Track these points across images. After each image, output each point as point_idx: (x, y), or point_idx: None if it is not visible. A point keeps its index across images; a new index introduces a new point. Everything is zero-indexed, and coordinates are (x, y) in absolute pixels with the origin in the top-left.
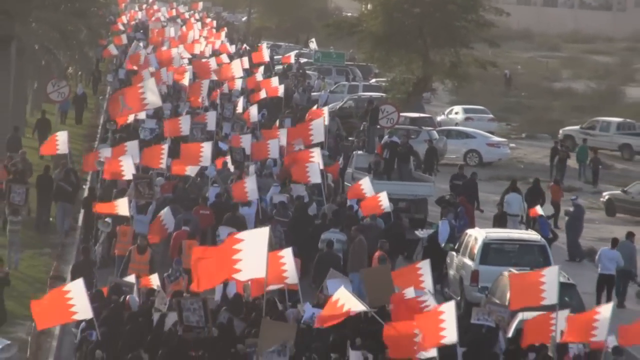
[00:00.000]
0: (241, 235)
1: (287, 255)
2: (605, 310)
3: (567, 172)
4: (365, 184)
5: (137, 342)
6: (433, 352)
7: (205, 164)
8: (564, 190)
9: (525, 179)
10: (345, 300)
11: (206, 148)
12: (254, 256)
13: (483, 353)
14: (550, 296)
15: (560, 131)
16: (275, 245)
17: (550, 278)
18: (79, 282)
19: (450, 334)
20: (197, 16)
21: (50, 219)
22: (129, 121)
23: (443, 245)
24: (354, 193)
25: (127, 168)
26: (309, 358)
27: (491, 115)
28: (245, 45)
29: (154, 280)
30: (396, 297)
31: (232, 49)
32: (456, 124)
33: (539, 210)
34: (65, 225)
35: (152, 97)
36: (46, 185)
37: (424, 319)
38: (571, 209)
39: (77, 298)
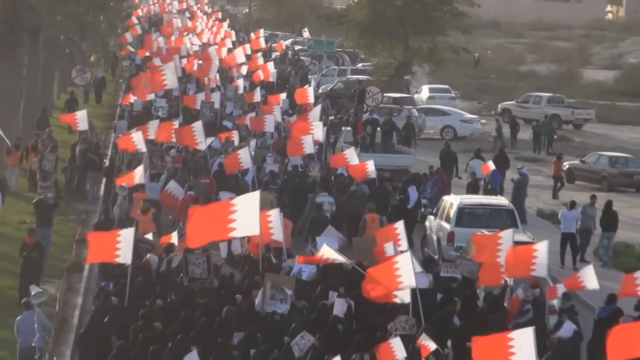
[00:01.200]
0: (235, 199)
1: (274, 214)
2: (542, 247)
3: (523, 144)
4: (349, 154)
5: (148, 291)
6: (407, 297)
7: (200, 139)
8: (527, 160)
9: (494, 150)
10: (328, 253)
11: (197, 127)
12: (247, 216)
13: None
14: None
15: (499, 105)
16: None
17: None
18: (130, 231)
19: (407, 280)
20: (205, 8)
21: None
22: (131, 101)
23: (410, 207)
24: (339, 162)
25: (139, 141)
26: (303, 306)
27: (452, 94)
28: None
29: (174, 238)
30: (377, 250)
31: (234, 36)
32: (421, 102)
33: (490, 165)
34: (95, 192)
35: (172, 79)
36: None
37: (382, 268)
38: (517, 176)
39: (124, 243)
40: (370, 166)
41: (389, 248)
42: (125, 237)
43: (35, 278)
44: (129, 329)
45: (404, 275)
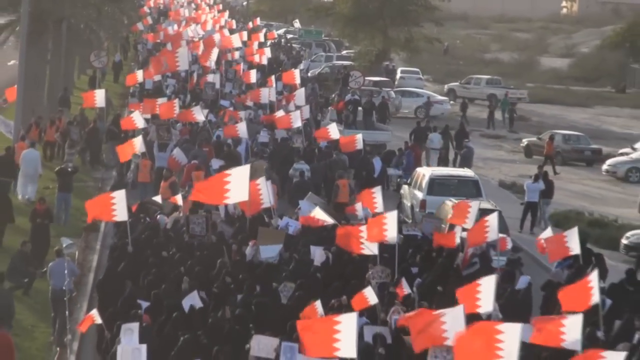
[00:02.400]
0: (229, 170)
1: (262, 183)
2: (493, 219)
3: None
4: (332, 129)
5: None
6: (375, 249)
7: (200, 118)
8: (490, 137)
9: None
10: (319, 215)
11: (197, 110)
12: (238, 186)
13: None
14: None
15: (445, 86)
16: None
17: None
18: (122, 192)
19: (390, 235)
20: (208, 1)
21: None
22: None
23: (375, 176)
24: (322, 136)
25: (138, 120)
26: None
27: (420, 76)
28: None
29: (178, 200)
30: (349, 209)
31: (235, 24)
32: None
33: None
34: (114, 160)
35: (183, 61)
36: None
37: (372, 222)
38: (464, 150)
39: (118, 203)
40: (359, 139)
41: (358, 208)
42: (119, 198)
43: (45, 242)
44: (139, 274)
45: (389, 230)
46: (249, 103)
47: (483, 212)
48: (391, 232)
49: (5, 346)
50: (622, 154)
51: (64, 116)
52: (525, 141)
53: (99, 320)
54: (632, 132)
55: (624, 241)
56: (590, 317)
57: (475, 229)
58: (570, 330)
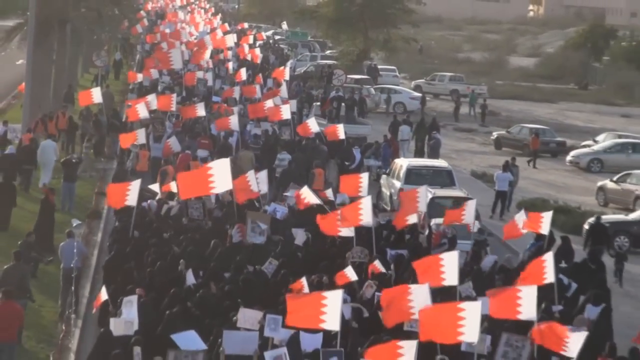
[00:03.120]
0: (211, 164)
1: (250, 175)
2: (471, 205)
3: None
4: (312, 123)
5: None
6: (351, 232)
7: (201, 113)
8: (463, 130)
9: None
10: (307, 195)
11: (200, 107)
12: (221, 177)
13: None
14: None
15: (412, 83)
16: (254, 165)
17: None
18: (138, 181)
19: (366, 219)
20: (202, 4)
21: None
22: (138, 80)
23: (353, 166)
24: (304, 130)
25: (142, 111)
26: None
27: (396, 73)
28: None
29: (172, 187)
30: (322, 194)
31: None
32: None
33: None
34: (118, 150)
35: (177, 60)
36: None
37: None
38: (432, 141)
39: (132, 190)
40: (340, 128)
41: (329, 193)
42: (134, 186)
43: (52, 228)
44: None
45: (364, 214)
46: (235, 96)
47: (457, 200)
48: (366, 217)
49: (14, 315)
50: (584, 146)
51: (67, 111)
52: (495, 134)
53: (105, 296)
54: (593, 126)
55: (586, 226)
56: (550, 294)
57: (455, 211)
58: (525, 302)
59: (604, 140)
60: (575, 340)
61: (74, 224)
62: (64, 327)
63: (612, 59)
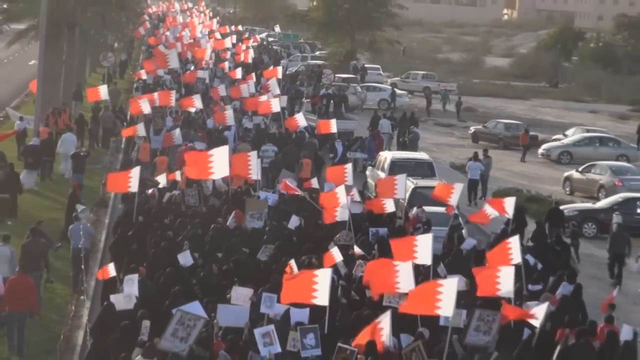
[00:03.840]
0: (211, 151)
1: (253, 157)
2: (458, 188)
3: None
4: (299, 118)
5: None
6: (345, 216)
7: (198, 105)
8: (442, 125)
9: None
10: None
11: (196, 98)
12: (220, 163)
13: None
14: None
15: (388, 80)
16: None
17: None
18: (137, 169)
19: (342, 213)
20: (201, 8)
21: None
22: (143, 77)
23: (337, 159)
24: (291, 124)
25: (145, 106)
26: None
27: (380, 72)
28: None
29: (177, 176)
30: (306, 184)
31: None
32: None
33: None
34: (119, 143)
35: (174, 60)
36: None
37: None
38: (411, 134)
39: (133, 177)
40: (333, 123)
41: (314, 183)
42: (135, 173)
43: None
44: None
45: (340, 199)
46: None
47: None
48: (342, 201)
49: (27, 288)
50: (555, 140)
51: (69, 108)
52: (472, 129)
53: (113, 273)
54: (563, 121)
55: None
56: (528, 275)
57: (444, 190)
58: (504, 281)
59: (573, 135)
60: (539, 312)
61: (79, 209)
62: (73, 308)
63: (581, 59)
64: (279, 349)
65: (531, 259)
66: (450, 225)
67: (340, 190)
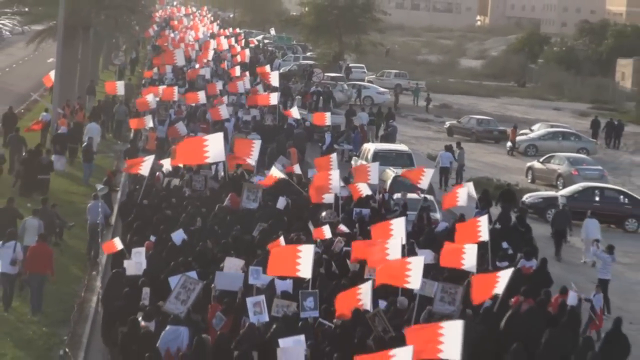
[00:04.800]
0: (207, 136)
1: (256, 145)
2: (429, 172)
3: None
4: (294, 111)
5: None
6: (331, 199)
7: (202, 100)
8: (421, 120)
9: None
10: (276, 173)
11: (201, 93)
12: (215, 148)
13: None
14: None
15: (365, 78)
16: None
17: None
18: (151, 157)
19: (334, 188)
20: (204, 12)
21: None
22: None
23: (325, 149)
24: (288, 115)
25: (151, 100)
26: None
27: (364, 70)
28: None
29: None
30: (288, 169)
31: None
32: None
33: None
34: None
35: (180, 57)
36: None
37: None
38: (390, 128)
39: (147, 162)
40: (328, 116)
41: (297, 169)
42: (149, 160)
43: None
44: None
45: (333, 183)
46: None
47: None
48: (335, 185)
49: (45, 254)
50: (522, 134)
51: (83, 102)
52: (447, 124)
53: (120, 246)
54: (530, 117)
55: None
56: (495, 251)
57: (416, 173)
58: (468, 256)
59: (539, 129)
60: (502, 280)
61: (98, 188)
62: (86, 282)
63: (546, 61)
64: (267, 318)
65: (505, 244)
66: (420, 206)
67: (335, 175)
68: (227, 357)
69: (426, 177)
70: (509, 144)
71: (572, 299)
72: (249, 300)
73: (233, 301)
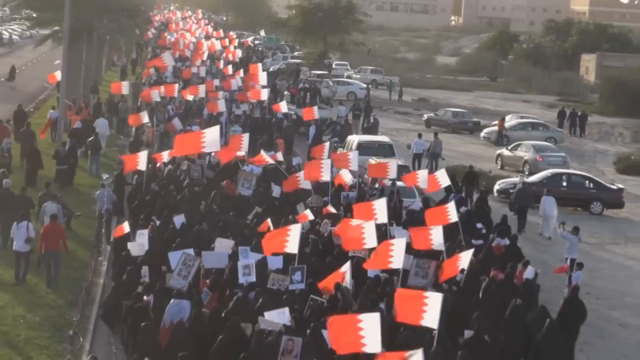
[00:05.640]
0: (205, 130)
1: (245, 138)
2: (393, 162)
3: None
4: (282, 105)
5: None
6: (308, 185)
7: (202, 94)
8: (400, 113)
9: (379, 107)
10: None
11: (202, 88)
12: (211, 139)
13: None
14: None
15: (345, 74)
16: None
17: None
18: (145, 152)
19: (326, 174)
20: (199, 16)
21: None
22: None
23: (310, 141)
24: (276, 109)
25: (155, 95)
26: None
27: (347, 67)
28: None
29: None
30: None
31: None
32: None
33: (342, 111)
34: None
35: (169, 60)
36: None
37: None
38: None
39: (142, 157)
40: (315, 111)
41: (279, 157)
42: (143, 154)
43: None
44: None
45: (324, 171)
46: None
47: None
48: (326, 173)
49: (58, 233)
50: (494, 125)
51: (82, 100)
52: (425, 116)
53: (127, 229)
54: (501, 110)
55: (496, 187)
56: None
57: (380, 168)
58: (435, 236)
59: (510, 121)
60: (464, 259)
61: (104, 177)
62: (93, 267)
63: (515, 57)
64: (254, 279)
65: (479, 225)
66: (390, 191)
67: (326, 163)
68: (220, 328)
69: (392, 168)
70: (483, 134)
71: (529, 272)
72: (240, 264)
73: (220, 277)
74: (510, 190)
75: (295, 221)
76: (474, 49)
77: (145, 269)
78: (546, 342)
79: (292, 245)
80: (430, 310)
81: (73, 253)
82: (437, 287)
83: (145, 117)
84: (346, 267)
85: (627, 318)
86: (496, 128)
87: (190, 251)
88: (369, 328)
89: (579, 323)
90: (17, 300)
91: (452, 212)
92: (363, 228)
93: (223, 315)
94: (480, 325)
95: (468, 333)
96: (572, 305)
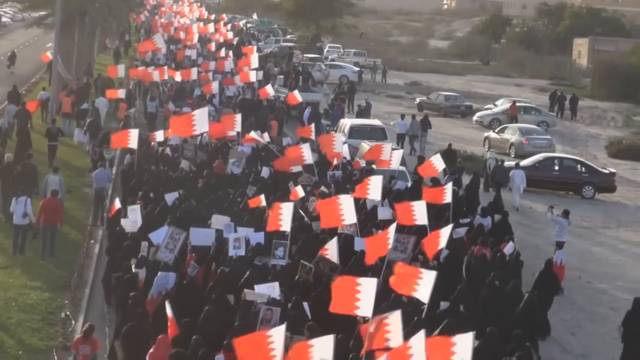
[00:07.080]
0: (194, 112)
1: (238, 119)
2: (387, 146)
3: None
4: (269, 88)
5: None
6: (298, 168)
7: (194, 77)
8: (393, 97)
9: (371, 91)
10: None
11: (194, 71)
12: (201, 121)
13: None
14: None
15: (330, 57)
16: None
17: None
18: (136, 130)
19: (307, 159)
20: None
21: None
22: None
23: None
24: (262, 93)
25: (156, 75)
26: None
27: (341, 50)
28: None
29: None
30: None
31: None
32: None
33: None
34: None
35: (160, 41)
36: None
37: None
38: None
39: (132, 135)
40: (297, 95)
41: (266, 137)
42: (134, 132)
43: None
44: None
45: (306, 155)
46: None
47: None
48: (307, 156)
49: (57, 207)
50: (487, 109)
51: (74, 82)
52: (418, 100)
53: (118, 205)
54: (494, 93)
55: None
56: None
57: (375, 151)
58: (418, 213)
59: (502, 105)
60: (443, 236)
61: (106, 152)
62: (85, 250)
63: (508, 41)
64: (243, 253)
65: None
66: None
67: (306, 147)
68: (205, 300)
69: (386, 151)
70: (475, 117)
71: (508, 248)
72: (231, 236)
73: (206, 252)
74: (484, 169)
75: (287, 199)
76: (467, 33)
77: (145, 244)
78: (523, 315)
79: (285, 222)
80: (424, 285)
81: (64, 234)
82: (414, 261)
83: (122, 93)
84: (332, 245)
85: (618, 302)
86: (487, 112)
87: (178, 226)
88: (365, 292)
89: (552, 294)
90: (8, 283)
91: (448, 193)
92: (341, 205)
93: (208, 288)
94: (457, 297)
95: (444, 304)
96: (545, 277)
